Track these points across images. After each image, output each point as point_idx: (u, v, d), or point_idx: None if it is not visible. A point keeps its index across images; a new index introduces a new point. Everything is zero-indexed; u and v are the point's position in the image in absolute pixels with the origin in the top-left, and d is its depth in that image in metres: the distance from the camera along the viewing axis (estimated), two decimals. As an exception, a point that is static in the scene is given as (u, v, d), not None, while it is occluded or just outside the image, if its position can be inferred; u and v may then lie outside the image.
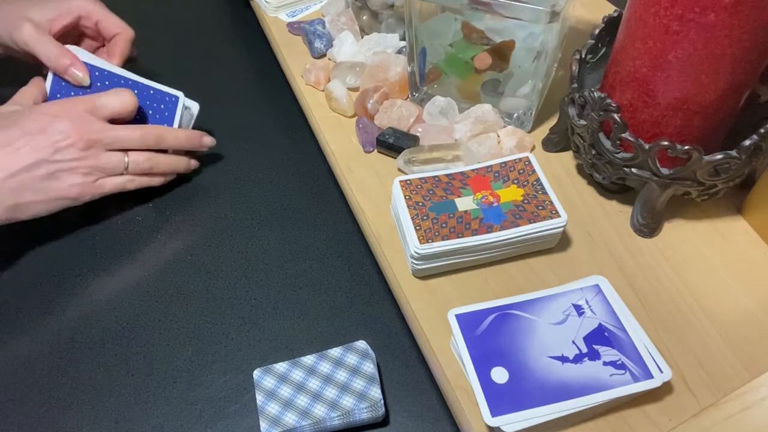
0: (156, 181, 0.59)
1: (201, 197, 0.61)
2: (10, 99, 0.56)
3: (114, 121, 0.55)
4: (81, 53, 0.59)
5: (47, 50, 0.57)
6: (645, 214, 0.50)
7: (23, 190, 0.51)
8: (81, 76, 0.58)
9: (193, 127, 0.62)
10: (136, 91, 0.57)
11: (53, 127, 0.52)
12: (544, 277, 0.49)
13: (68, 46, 0.58)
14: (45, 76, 0.59)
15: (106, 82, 0.59)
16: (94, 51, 0.64)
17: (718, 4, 0.39)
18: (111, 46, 0.63)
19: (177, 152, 0.60)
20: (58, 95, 0.59)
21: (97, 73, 0.59)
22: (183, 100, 0.59)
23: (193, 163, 0.61)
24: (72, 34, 0.64)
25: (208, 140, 0.61)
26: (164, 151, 0.58)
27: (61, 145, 0.52)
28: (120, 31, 0.63)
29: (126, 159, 0.55)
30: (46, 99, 0.58)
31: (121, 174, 0.56)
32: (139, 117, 0.59)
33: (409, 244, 0.46)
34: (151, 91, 0.59)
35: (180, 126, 0.59)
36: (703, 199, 0.49)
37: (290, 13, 0.76)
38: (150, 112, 0.60)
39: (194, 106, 0.61)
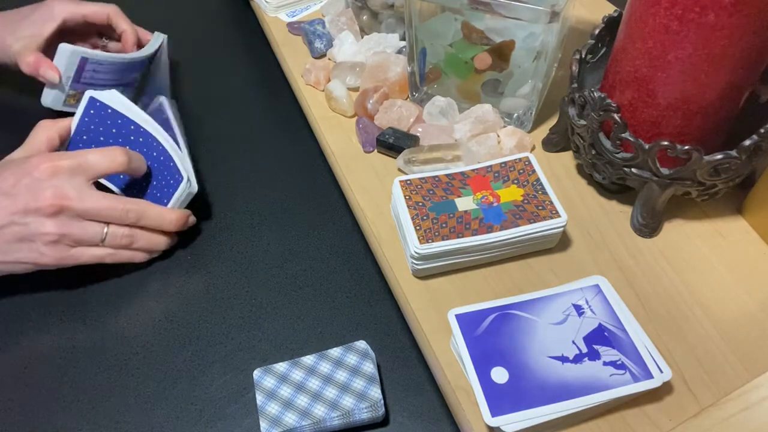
0: (138, 256, 0.53)
1: (200, 197, 0.61)
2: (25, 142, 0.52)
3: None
4: (120, 102, 0.55)
5: (25, 61, 0.61)
6: (645, 214, 0.50)
7: None
8: (51, 74, 0.60)
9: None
10: (146, 150, 0.54)
11: (29, 187, 0.47)
12: (544, 277, 0.49)
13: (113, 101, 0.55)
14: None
15: (131, 137, 0.55)
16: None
17: (718, 4, 0.39)
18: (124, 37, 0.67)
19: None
20: (85, 137, 0.55)
21: (129, 126, 0.55)
22: (188, 184, 0.54)
23: (173, 241, 0.55)
24: (80, 32, 0.67)
25: (192, 220, 0.56)
26: None
27: (30, 207, 0.47)
28: (110, 13, 0.66)
29: (104, 230, 0.50)
30: (63, 140, 0.54)
31: (97, 245, 0.51)
32: (139, 178, 0.55)
33: (409, 244, 0.46)
34: (167, 161, 0.54)
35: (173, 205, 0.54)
36: (703, 199, 0.49)
37: (290, 13, 0.76)
38: (153, 178, 0.55)
39: (194, 188, 0.55)
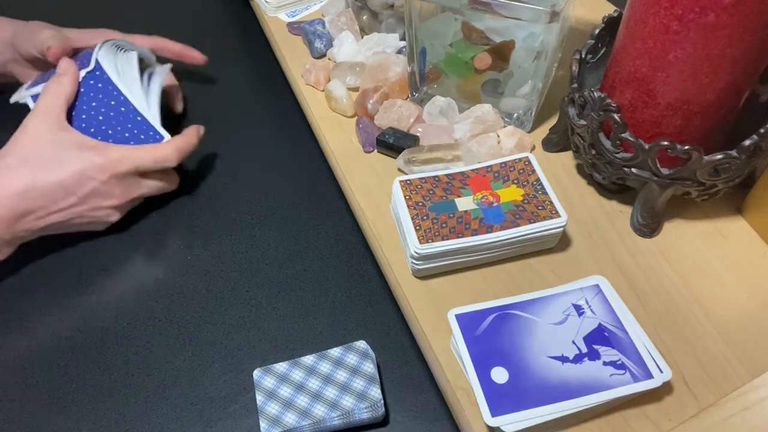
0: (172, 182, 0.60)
1: (201, 197, 0.61)
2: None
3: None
4: (113, 68, 0.59)
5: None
6: (645, 214, 0.50)
7: (38, 229, 0.53)
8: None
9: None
10: (123, 109, 0.58)
11: (94, 192, 0.53)
12: (544, 277, 0.49)
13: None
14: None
15: (111, 102, 0.58)
16: None
17: (718, 4, 0.39)
18: None
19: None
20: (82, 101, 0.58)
21: (115, 92, 0.58)
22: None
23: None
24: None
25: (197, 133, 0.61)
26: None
27: (97, 205, 0.54)
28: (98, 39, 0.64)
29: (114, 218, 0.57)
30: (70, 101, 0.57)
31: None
32: (111, 131, 0.57)
33: (409, 244, 0.46)
34: (147, 129, 0.59)
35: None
36: (703, 199, 0.49)
37: (290, 13, 0.76)
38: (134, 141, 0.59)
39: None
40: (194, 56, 0.70)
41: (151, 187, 0.57)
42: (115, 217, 0.56)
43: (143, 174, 0.56)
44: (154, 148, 0.56)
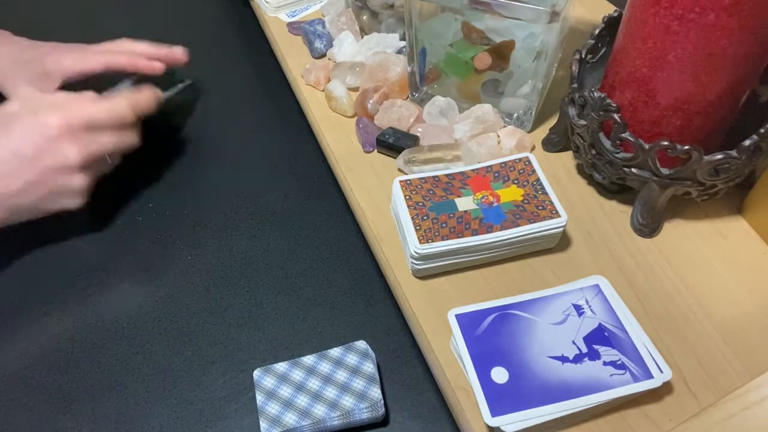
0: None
1: (201, 197, 0.61)
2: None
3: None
4: None
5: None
6: (645, 214, 0.50)
7: (18, 207, 0.51)
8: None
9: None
10: None
11: (58, 152, 0.51)
12: (544, 277, 0.49)
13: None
14: None
15: None
16: None
17: (718, 4, 0.39)
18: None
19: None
20: None
21: None
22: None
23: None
24: None
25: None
26: None
27: (66, 165, 0.51)
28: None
29: (107, 159, 0.55)
30: None
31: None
32: None
33: (409, 244, 0.46)
34: None
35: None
36: (703, 199, 0.49)
37: (290, 13, 0.76)
38: None
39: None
40: (175, 57, 0.66)
41: (107, 142, 0.54)
42: (79, 180, 0.52)
43: (100, 129, 0.53)
44: (107, 102, 0.54)
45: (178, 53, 0.65)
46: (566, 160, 0.58)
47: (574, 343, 0.41)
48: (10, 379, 0.48)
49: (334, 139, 0.60)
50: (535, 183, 0.50)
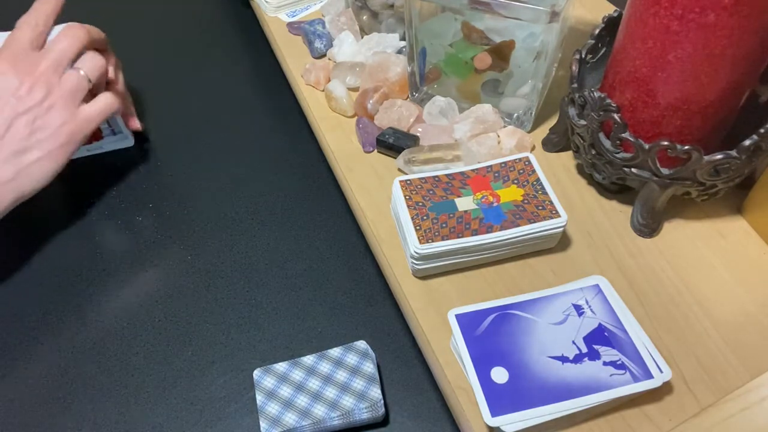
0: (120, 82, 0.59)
1: (201, 197, 0.61)
2: None
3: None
4: None
5: None
6: (645, 214, 0.50)
7: (16, 156, 0.49)
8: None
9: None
10: None
11: (3, 82, 0.49)
12: (544, 277, 0.49)
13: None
14: None
15: None
16: None
17: (718, 4, 0.39)
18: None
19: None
20: None
21: None
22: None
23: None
24: None
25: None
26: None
27: (22, 92, 0.50)
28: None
29: (81, 72, 0.53)
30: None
31: (90, 91, 0.54)
32: None
33: (409, 244, 0.46)
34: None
35: None
36: (703, 199, 0.49)
37: (290, 13, 0.76)
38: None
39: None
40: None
41: (60, 57, 0.52)
42: (57, 113, 0.51)
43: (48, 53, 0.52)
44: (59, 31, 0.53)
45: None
46: (566, 160, 0.58)
47: (574, 343, 0.41)
48: (9, 379, 0.48)
49: (334, 139, 0.60)
50: (535, 183, 0.50)
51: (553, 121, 0.59)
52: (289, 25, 0.74)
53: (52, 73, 0.52)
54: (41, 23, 0.53)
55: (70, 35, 0.53)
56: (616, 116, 0.46)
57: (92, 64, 0.54)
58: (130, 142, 0.65)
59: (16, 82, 0.50)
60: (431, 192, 0.50)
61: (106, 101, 0.55)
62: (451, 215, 0.48)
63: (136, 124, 0.63)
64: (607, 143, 0.49)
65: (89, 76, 0.54)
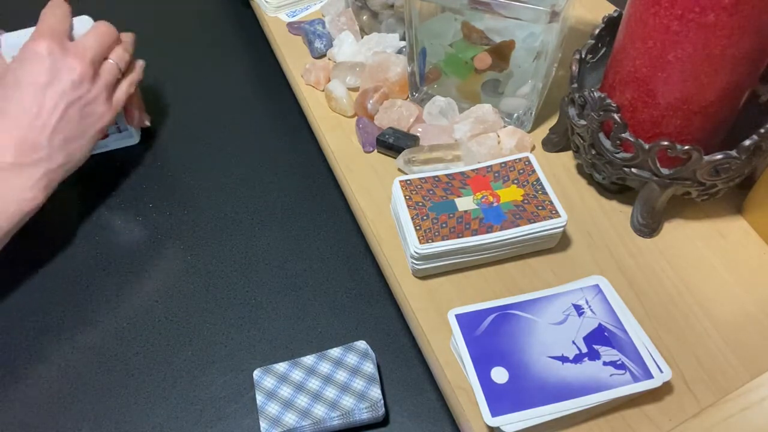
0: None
1: (201, 197, 0.61)
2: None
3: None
4: None
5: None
6: (645, 214, 0.50)
7: (68, 142, 0.53)
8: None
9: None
10: None
11: (61, 65, 0.52)
12: (544, 277, 0.49)
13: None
14: None
15: None
16: None
17: (718, 4, 0.39)
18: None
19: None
20: None
21: None
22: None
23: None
24: None
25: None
26: None
27: (75, 80, 0.52)
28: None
29: (112, 61, 0.56)
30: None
31: (118, 80, 0.58)
32: None
33: (409, 244, 0.46)
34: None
35: None
36: (703, 199, 0.49)
37: (290, 13, 0.76)
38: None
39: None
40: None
41: (97, 46, 0.55)
42: (98, 88, 0.54)
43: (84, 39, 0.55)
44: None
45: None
46: (566, 160, 0.58)
47: (574, 343, 0.41)
48: (9, 380, 0.48)
49: (334, 139, 0.60)
50: (535, 183, 0.50)
51: (553, 121, 0.59)
52: (289, 25, 0.74)
53: (97, 64, 0.55)
54: (66, 21, 0.55)
55: (103, 31, 0.56)
56: (616, 116, 0.46)
57: (119, 54, 0.58)
58: (135, 140, 0.65)
59: (75, 72, 0.53)
60: (431, 192, 0.50)
61: (126, 89, 0.58)
62: (451, 215, 0.48)
63: (144, 119, 0.65)
64: (607, 143, 0.49)
65: (119, 66, 0.57)
